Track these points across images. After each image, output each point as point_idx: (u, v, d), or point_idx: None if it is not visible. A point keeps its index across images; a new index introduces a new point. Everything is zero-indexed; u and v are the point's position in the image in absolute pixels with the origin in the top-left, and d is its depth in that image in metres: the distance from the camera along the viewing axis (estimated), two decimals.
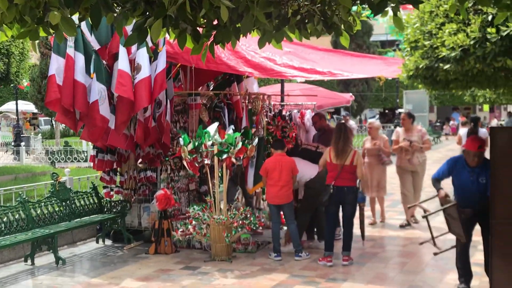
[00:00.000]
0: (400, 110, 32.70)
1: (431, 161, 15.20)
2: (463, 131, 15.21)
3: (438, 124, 45.02)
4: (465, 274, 7.19)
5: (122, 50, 8.55)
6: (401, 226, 11.00)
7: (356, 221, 8.84)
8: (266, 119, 10.78)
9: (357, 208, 8.83)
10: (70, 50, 8.47)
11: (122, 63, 8.54)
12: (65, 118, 8.73)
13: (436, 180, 7.21)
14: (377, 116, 51.82)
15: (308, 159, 9.35)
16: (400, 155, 11.07)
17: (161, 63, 8.76)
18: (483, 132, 14.18)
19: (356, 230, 8.91)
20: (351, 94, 22.18)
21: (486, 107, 47.20)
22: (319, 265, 8.41)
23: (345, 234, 8.64)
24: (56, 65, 8.48)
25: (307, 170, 9.17)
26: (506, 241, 5.81)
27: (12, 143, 28.92)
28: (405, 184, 11.12)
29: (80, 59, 8.54)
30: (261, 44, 4.55)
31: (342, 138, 8.46)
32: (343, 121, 20.42)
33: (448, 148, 31.04)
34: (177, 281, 7.72)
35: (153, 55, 8.69)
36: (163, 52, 8.81)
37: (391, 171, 11.86)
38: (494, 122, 40.03)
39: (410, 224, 11.06)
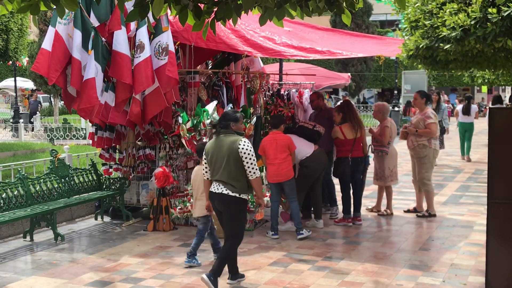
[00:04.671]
0: None
1: None
2: (459, 106, 19.00)
3: None
4: None
5: (119, 31, 8.54)
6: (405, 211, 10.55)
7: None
8: (264, 98, 10.77)
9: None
10: (59, 27, 8.47)
11: (118, 45, 8.53)
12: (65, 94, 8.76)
13: None
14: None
15: (305, 137, 9.32)
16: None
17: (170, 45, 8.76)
18: (473, 107, 18.18)
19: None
20: (349, 74, 22.16)
21: (484, 89, 47.00)
22: (316, 244, 8.46)
23: (356, 198, 9.69)
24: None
25: (303, 148, 9.13)
26: (502, 221, 5.84)
27: (11, 120, 28.84)
28: (412, 168, 10.51)
29: (77, 35, 8.50)
30: (262, 21, 4.53)
31: (355, 113, 9.65)
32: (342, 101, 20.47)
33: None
34: (175, 257, 7.76)
35: (155, 31, 8.67)
36: (169, 34, 8.78)
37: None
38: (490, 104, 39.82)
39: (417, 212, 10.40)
